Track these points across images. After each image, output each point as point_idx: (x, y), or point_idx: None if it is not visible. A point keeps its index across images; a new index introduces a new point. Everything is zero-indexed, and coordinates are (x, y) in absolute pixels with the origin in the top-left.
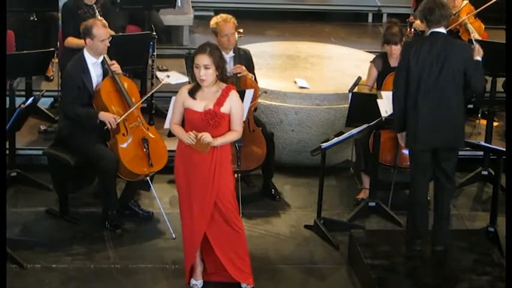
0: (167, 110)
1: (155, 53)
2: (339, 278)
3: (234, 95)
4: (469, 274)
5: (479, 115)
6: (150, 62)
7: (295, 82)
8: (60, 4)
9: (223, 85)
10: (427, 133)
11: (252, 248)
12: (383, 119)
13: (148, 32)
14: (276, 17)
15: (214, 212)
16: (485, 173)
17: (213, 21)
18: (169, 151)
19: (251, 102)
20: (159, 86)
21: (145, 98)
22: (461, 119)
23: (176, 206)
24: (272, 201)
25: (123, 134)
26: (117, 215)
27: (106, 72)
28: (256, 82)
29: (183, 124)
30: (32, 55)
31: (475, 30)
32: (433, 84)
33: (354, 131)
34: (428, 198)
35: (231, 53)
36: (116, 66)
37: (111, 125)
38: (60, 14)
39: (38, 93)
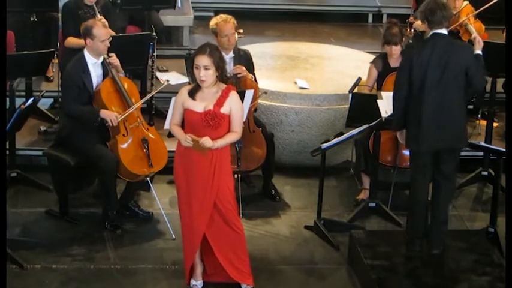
0: (167, 111)
1: (155, 54)
2: (339, 279)
3: (234, 95)
4: (469, 274)
5: (479, 116)
6: (150, 62)
7: (295, 83)
8: (60, 4)
9: (223, 86)
10: (430, 134)
11: (252, 248)
12: (383, 119)
13: (149, 32)
14: (275, 17)
15: (214, 212)
16: (485, 173)
17: (213, 22)
18: (169, 152)
19: (251, 102)
20: (161, 87)
21: (145, 99)
22: (463, 120)
23: (176, 207)
24: (272, 201)
25: (123, 135)
26: (117, 216)
27: (106, 72)
28: (256, 83)
29: (183, 125)
30: (32, 55)
31: (476, 31)
32: (435, 85)
33: (354, 131)
34: (429, 198)
35: (231, 54)
36: (114, 59)
37: (112, 123)
38: (60, 15)
39: (38, 93)
